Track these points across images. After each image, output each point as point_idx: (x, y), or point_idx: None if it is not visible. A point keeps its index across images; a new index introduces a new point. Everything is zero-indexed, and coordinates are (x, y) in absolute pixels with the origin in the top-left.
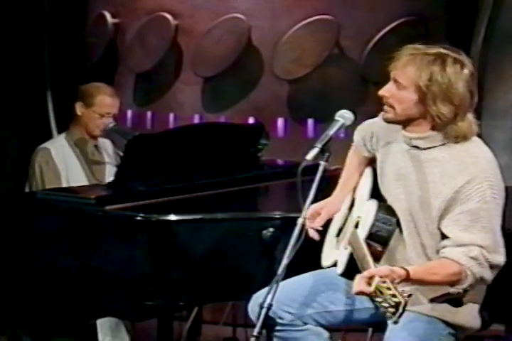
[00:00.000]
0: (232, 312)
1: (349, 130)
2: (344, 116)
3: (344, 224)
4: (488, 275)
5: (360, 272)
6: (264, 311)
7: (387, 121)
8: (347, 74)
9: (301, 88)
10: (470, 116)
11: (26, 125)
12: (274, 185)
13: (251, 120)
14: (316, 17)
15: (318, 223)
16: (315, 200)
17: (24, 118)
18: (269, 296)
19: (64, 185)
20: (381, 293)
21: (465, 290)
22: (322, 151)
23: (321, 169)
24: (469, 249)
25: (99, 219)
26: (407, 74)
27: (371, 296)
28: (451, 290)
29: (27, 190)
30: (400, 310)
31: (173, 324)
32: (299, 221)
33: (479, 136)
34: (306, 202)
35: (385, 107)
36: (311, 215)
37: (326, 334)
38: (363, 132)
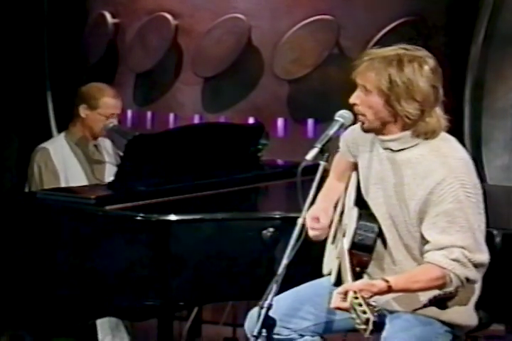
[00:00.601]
0: (232, 312)
1: None
2: (344, 116)
3: (337, 231)
4: (474, 275)
5: None
6: (264, 311)
7: (365, 130)
8: (347, 74)
9: (301, 88)
10: (438, 110)
11: (26, 125)
12: (274, 185)
13: (251, 120)
14: (316, 17)
15: (325, 220)
16: (314, 200)
17: (24, 118)
18: (269, 296)
19: (63, 185)
20: (353, 309)
21: (457, 291)
22: (322, 151)
23: (320, 169)
24: (450, 251)
25: (99, 219)
26: (369, 80)
27: (348, 311)
28: (438, 293)
29: (26, 190)
30: (370, 326)
31: (173, 324)
32: (299, 221)
33: (478, 135)
34: (306, 202)
35: (359, 118)
36: (312, 221)
37: None
38: (347, 138)
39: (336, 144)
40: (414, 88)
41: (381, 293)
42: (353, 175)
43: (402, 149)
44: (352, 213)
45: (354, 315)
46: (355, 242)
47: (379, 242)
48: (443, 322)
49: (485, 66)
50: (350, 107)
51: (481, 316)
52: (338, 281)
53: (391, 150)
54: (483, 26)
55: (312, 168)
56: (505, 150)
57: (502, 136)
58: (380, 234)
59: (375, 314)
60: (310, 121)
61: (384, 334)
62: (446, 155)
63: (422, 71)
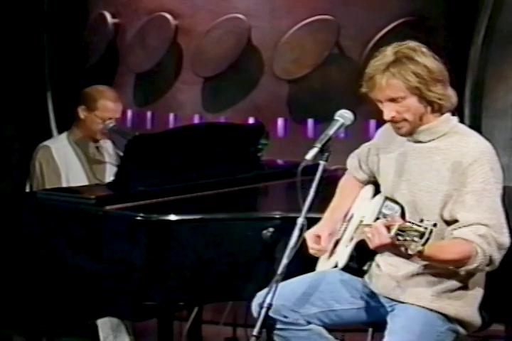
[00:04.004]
0: (232, 312)
1: (349, 130)
2: (344, 116)
3: (342, 235)
4: (496, 255)
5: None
6: (264, 311)
7: (406, 134)
8: (347, 74)
9: (301, 88)
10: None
11: (26, 125)
12: (274, 185)
13: (251, 120)
14: (316, 17)
15: (325, 243)
16: (314, 200)
17: (24, 119)
18: (269, 296)
19: (64, 183)
20: (403, 232)
21: (463, 284)
22: (322, 151)
23: (320, 169)
24: (477, 228)
25: (99, 219)
26: (397, 87)
27: (392, 244)
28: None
29: (28, 188)
30: (427, 235)
31: (173, 324)
32: (299, 221)
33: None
34: (306, 202)
35: (397, 124)
36: (312, 240)
37: (327, 334)
38: (358, 155)
39: (336, 144)
40: (434, 71)
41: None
42: (367, 187)
43: (432, 140)
44: (376, 198)
45: (403, 238)
46: (379, 218)
47: None
48: (446, 317)
49: (485, 66)
50: (350, 107)
51: (482, 316)
52: (347, 266)
53: (420, 142)
54: (483, 26)
55: (312, 167)
56: (505, 150)
57: (502, 136)
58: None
59: (431, 227)
60: (310, 121)
61: (386, 333)
62: (477, 142)
63: (425, 54)
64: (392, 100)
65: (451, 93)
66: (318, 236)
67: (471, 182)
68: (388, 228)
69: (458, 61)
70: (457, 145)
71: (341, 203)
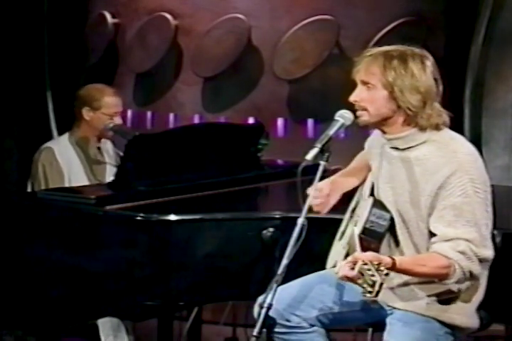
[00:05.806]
0: (232, 312)
1: (349, 130)
2: (344, 116)
3: (346, 226)
4: (477, 269)
5: None
6: (264, 311)
7: (363, 124)
8: (347, 74)
9: (301, 88)
10: (438, 106)
11: (26, 125)
12: (274, 185)
13: (251, 120)
14: (316, 17)
15: (323, 199)
16: None
17: (24, 119)
18: (269, 296)
19: (66, 184)
20: (362, 275)
21: (459, 290)
22: (322, 151)
23: (321, 169)
24: (457, 244)
25: (99, 219)
26: (373, 74)
27: (353, 280)
28: (440, 291)
29: (29, 189)
30: (376, 287)
31: (173, 324)
32: (299, 221)
33: (478, 135)
34: (306, 202)
35: (359, 112)
36: (315, 191)
37: (329, 335)
38: (368, 142)
39: (336, 144)
40: (419, 80)
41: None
42: (370, 175)
43: (409, 147)
44: (366, 201)
45: (361, 281)
46: (366, 228)
47: (391, 239)
48: (443, 323)
49: (485, 66)
50: (350, 107)
51: (481, 316)
52: None
53: (397, 149)
54: (483, 26)
55: (312, 168)
56: (505, 150)
57: (502, 136)
58: (393, 230)
59: (383, 277)
60: (310, 121)
61: (384, 336)
62: (456, 151)
63: (425, 67)
64: (364, 84)
65: (433, 112)
66: (321, 189)
67: (448, 195)
68: (354, 264)
69: (458, 61)
70: (435, 156)
71: (354, 171)
